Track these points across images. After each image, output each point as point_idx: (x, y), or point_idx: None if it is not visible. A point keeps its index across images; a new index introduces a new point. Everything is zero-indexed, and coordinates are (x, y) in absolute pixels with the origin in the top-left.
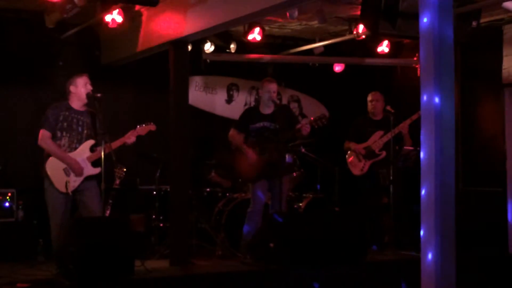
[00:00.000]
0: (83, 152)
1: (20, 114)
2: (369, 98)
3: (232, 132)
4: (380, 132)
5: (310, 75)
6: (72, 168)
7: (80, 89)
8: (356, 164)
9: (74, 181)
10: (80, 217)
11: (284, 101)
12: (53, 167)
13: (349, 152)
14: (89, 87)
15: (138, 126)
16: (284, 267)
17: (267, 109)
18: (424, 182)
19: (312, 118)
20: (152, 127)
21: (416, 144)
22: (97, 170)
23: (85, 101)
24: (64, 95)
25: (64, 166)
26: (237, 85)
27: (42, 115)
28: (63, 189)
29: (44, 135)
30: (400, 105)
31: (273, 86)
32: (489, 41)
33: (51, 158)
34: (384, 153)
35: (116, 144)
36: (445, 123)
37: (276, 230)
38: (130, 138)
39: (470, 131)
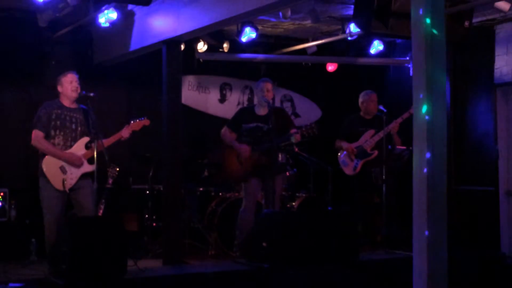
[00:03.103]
0: (78, 150)
1: (12, 113)
2: (361, 97)
3: (225, 130)
4: (371, 131)
5: (303, 74)
6: (71, 161)
7: (66, 87)
8: (348, 164)
9: (71, 179)
10: (72, 217)
11: (277, 101)
12: (50, 165)
13: (340, 151)
14: (75, 84)
15: (131, 121)
16: (277, 266)
17: (262, 110)
18: (415, 181)
19: (303, 128)
20: (146, 122)
21: (405, 143)
22: (92, 167)
23: (74, 98)
24: (56, 94)
25: (60, 164)
26: (230, 84)
27: (34, 115)
28: (60, 187)
29: (37, 135)
30: (392, 105)
31: (267, 85)
32: (481, 41)
33: (47, 157)
34: (376, 152)
35: (111, 140)
36: (437, 125)
37: (269, 229)
38: (125, 133)
39: (462, 130)
